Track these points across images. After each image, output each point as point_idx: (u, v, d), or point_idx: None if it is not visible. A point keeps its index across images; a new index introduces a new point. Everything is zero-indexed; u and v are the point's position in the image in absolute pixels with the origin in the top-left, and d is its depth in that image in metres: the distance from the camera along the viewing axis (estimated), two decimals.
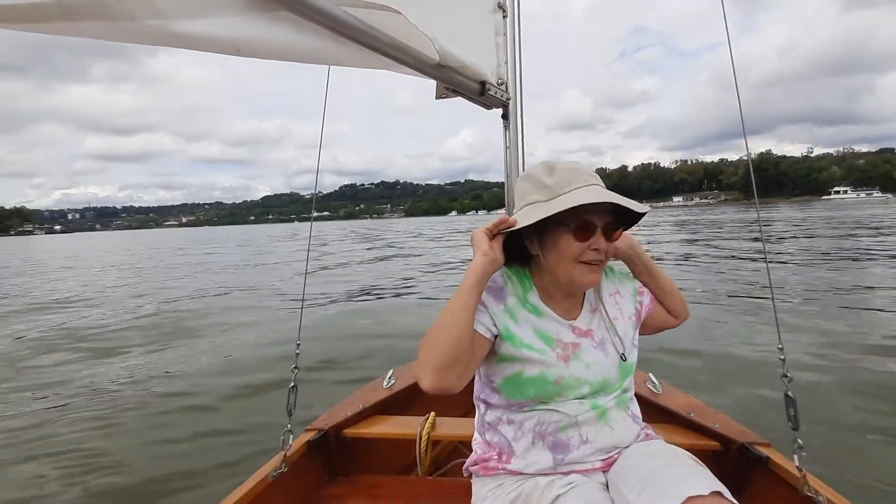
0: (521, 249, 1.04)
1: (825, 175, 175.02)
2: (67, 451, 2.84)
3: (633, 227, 1.04)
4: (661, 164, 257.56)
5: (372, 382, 1.87)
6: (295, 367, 1.41)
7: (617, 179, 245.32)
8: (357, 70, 1.20)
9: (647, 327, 1.15)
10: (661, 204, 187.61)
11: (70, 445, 2.92)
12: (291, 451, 1.37)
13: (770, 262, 9.66)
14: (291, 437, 1.36)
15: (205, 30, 0.76)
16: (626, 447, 1.00)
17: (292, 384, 1.38)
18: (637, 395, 1.37)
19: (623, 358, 1.03)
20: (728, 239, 16.44)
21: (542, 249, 0.99)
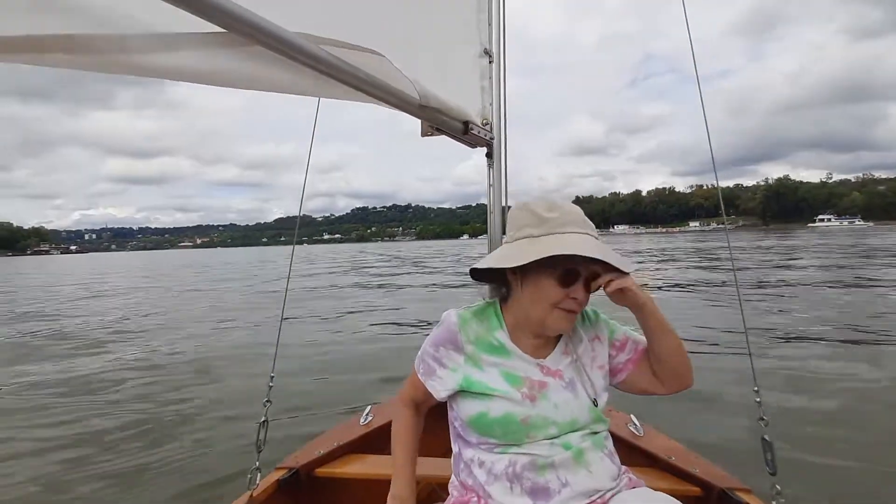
0: (499, 277, 1.04)
1: (845, 201, 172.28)
2: None
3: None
4: (676, 189, 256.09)
5: (348, 420, 1.82)
6: (267, 401, 1.36)
7: (631, 204, 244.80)
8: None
9: (629, 386, 1.09)
10: (678, 229, 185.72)
11: None
12: (258, 490, 1.31)
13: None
14: (259, 475, 1.30)
15: (177, 62, 0.74)
16: (608, 491, 0.97)
17: (263, 419, 1.32)
18: (618, 437, 1.35)
19: (595, 403, 1.01)
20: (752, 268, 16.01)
21: (521, 285, 0.99)
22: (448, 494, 1.07)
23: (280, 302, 1.65)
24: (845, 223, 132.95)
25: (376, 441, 1.70)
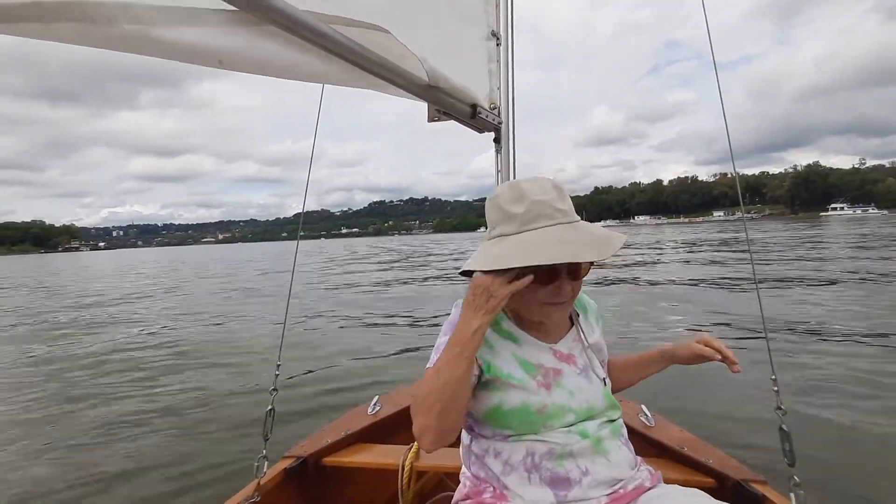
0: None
1: (880, 187, 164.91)
2: None
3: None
4: (699, 178, 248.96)
5: (356, 409, 1.82)
6: (273, 389, 1.34)
7: (652, 194, 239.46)
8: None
9: None
10: (701, 219, 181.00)
11: None
12: (266, 479, 1.29)
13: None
14: (266, 463, 1.28)
15: (185, 39, 0.72)
16: (628, 480, 0.94)
17: (269, 407, 1.31)
18: (630, 428, 1.32)
19: (605, 383, 1.00)
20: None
21: None
22: (458, 484, 1.04)
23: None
24: (858, 212, 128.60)
25: (384, 430, 1.69)
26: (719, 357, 1.01)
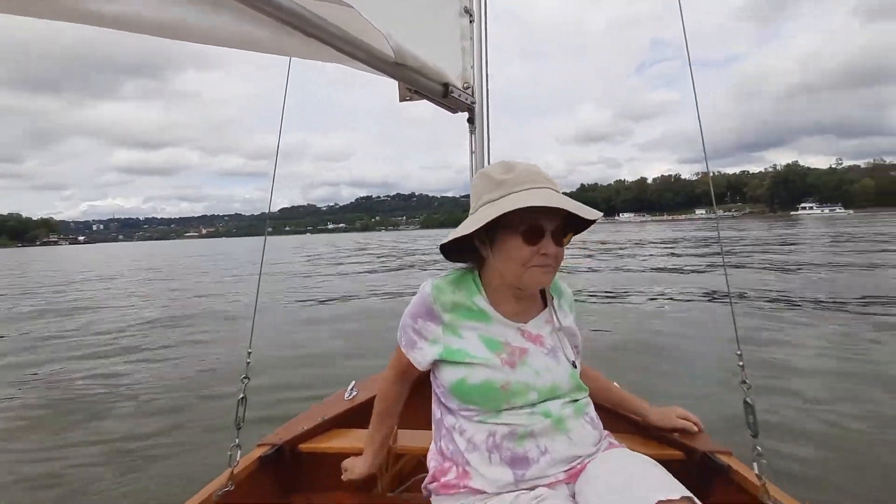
0: (471, 251, 1.02)
1: (856, 187, 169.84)
2: None
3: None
4: (682, 177, 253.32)
5: (332, 395, 1.79)
6: (245, 378, 1.31)
7: (637, 192, 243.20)
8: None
9: None
10: (684, 217, 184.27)
11: None
12: (240, 468, 1.28)
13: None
14: (240, 452, 1.26)
15: (132, 8, 0.70)
16: (588, 456, 0.96)
17: (241, 395, 1.28)
18: (599, 405, 1.33)
19: (574, 365, 1.01)
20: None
21: (492, 251, 0.97)
22: None
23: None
24: (826, 211, 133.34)
25: (361, 415, 1.66)
26: (696, 429, 1.31)
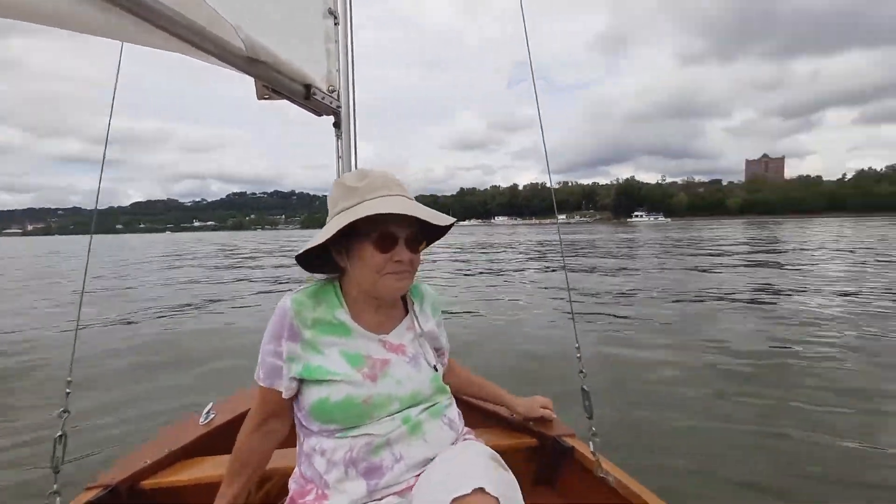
0: (330, 261, 1.00)
1: (675, 200, 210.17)
2: None
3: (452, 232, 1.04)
4: (547, 185, 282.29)
5: (183, 420, 1.61)
6: (64, 411, 1.14)
7: (509, 197, 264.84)
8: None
9: None
10: (549, 221, 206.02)
11: None
12: None
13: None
14: (59, 499, 1.08)
15: None
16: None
17: (60, 433, 1.09)
18: (465, 402, 1.40)
19: (435, 369, 1.03)
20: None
21: (349, 260, 0.96)
22: None
23: None
24: (652, 218, 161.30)
25: (219, 440, 1.51)
26: (554, 416, 1.42)
